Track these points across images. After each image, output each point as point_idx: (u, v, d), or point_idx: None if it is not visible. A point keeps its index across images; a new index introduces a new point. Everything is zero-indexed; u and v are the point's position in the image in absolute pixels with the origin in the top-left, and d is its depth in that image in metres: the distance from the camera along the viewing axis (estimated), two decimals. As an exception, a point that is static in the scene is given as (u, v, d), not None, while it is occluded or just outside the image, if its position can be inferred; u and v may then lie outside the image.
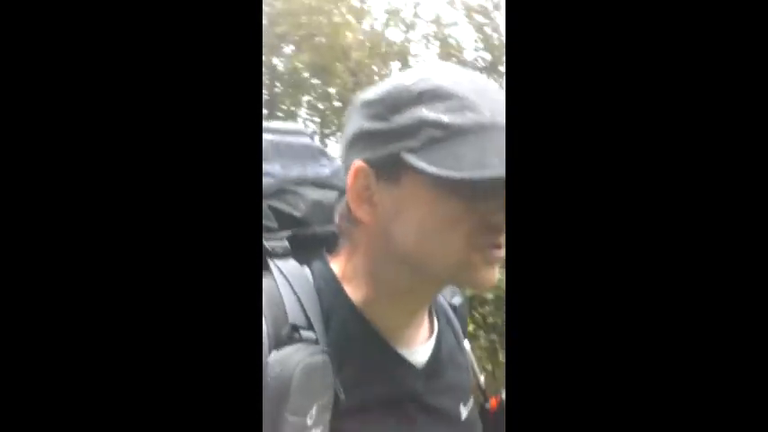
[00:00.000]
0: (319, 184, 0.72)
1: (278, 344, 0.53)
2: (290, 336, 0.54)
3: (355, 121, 0.59)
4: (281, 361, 0.51)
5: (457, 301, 0.75)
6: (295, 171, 0.71)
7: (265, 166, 0.68)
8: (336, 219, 0.64)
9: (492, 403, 0.73)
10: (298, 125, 0.79)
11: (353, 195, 0.58)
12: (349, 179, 0.58)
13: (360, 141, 0.58)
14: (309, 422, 0.51)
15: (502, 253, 0.56)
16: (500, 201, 0.54)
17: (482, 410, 0.72)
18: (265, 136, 0.70)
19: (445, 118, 0.54)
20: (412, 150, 0.54)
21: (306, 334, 0.55)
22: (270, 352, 0.52)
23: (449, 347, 0.67)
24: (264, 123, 0.74)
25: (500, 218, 0.54)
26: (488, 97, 0.55)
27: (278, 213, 0.67)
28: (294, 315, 0.56)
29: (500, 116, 0.54)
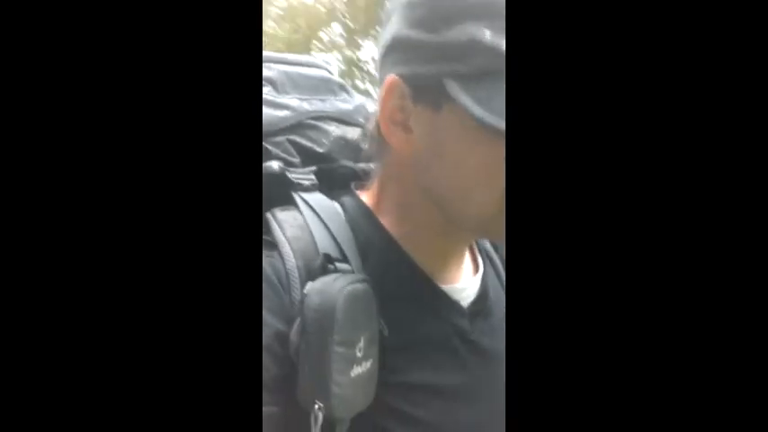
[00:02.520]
0: (341, 120, 0.65)
1: (310, 277, 0.47)
2: (324, 267, 0.48)
3: (395, 23, 0.49)
4: (319, 290, 0.45)
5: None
6: (314, 104, 0.64)
7: (281, 98, 0.62)
8: (366, 140, 0.58)
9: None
10: (314, 58, 0.72)
11: (385, 116, 0.49)
12: (381, 95, 0.49)
13: (398, 50, 0.49)
14: (359, 354, 0.45)
15: None
16: None
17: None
18: (279, 67, 0.64)
19: (501, 43, 0.43)
20: (458, 77, 0.45)
21: (341, 266, 0.49)
22: (302, 287, 0.47)
23: (494, 286, 0.62)
24: (279, 54, 0.68)
25: None
26: None
27: (299, 147, 0.61)
28: (326, 247, 0.50)
29: None
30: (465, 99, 0.44)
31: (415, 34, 0.47)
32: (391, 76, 0.48)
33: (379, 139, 0.53)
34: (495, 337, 0.57)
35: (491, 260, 0.66)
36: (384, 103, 0.49)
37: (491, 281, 0.62)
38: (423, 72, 0.47)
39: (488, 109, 0.44)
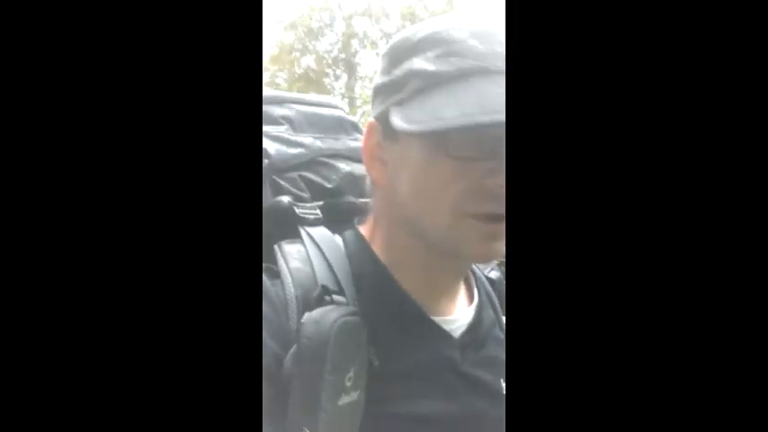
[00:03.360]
0: (352, 157, 0.71)
1: (307, 306, 0.52)
2: (321, 298, 0.53)
3: (376, 77, 0.59)
4: (315, 320, 0.49)
5: (494, 274, 0.72)
6: (327, 143, 0.70)
7: (297, 137, 0.68)
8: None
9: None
10: (330, 98, 0.78)
11: (366, 154, 0.58)
12: (364, 137, 0.57)
13: (374, 98, 0.58)
14: (348, 384, 0.50)
15: (499, 227, 0.51)
16: (496, 162, 0.50)
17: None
18: (297, 107, 0.70)
19: (431, 66, 0.51)
20: (398, 104, 0.53)
21: (337, 298, 0.53)
22: (299, 315, 0.51)
23: (489, 321, 0.65)
24: (298, 95, 0.74)
25: (494, 182, 0.50)
26: (488, 41, 0.51)
27: (309, 183, 0.67)
28: (324, 279, 0.55)
29: (487, 61, 0.50)
30: (395, 119, 0.52)
31: (380, 80, 0.56)
32: (369, 120, 0.57)
33: (368, 177, 0.60)
34: (487, 369, 0.60)
35: (488, 294, 0.69)
36: (365, 143, 0.57)
37: (486, 313, 0.65)
38: (383, 109, 0.55)
39: (412, 119, 0.50)
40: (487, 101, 0.48)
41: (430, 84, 0.51)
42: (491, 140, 0.50)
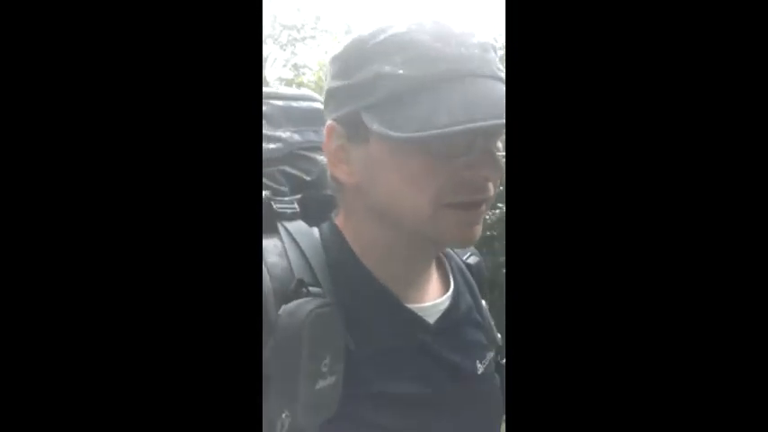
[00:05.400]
0: None
1: (284, 299, 0.54)
2: (297, 291, 0.55)
3: (327, 80, 0.60)
4: (290, 312, 0.53)
5: (472, 260, 0.75)
6: (306, 136, 0.72)
7: (275, 132, 0.69)
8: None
9: (509, 359, 0.74)
10: (307, 91, 0.79)
11: (329, 156, 0.59)
12: (324, 139, 0.59)
13: (329, 101, 0.59)
14: (324, 369, 0.52)
15: (476, 213, 0.56)
16: (472, 157, 0.54)
17: (498, 366, 0.73)
18: (274, 102, 0.71)
19: (400, 70, 0.53)
20: (369, 108, 0.54)
21: (313, 289, 0.56)
22: (277, 308, 0.53)
23: (466, 306, 0.68)
24: (273, 90, 0.75)
25: (473, 174, 0.54)
26: (452, 44, 0.53)
27: (289, 177, 0.68)
28: (301, 272, 0.57)
29: (458, 64, 0.52)
30: (374, 124, 0.53)
31: (336, 84, 0.57)
32: (328, 123, 0.58)
33: (331, 175, 0.61)
34: (462, 352, 0.64)
35: (466, 280, 0.72)
36: (327, 146, 0.59)
37: (462, 299, 0.67)
38: (347, 111, 0.56)
39: (392, 126, 0.52)
40: (473, 106, 0.51)
41: (402, 88, 0.53)
42: (466, 137, 0.53)
